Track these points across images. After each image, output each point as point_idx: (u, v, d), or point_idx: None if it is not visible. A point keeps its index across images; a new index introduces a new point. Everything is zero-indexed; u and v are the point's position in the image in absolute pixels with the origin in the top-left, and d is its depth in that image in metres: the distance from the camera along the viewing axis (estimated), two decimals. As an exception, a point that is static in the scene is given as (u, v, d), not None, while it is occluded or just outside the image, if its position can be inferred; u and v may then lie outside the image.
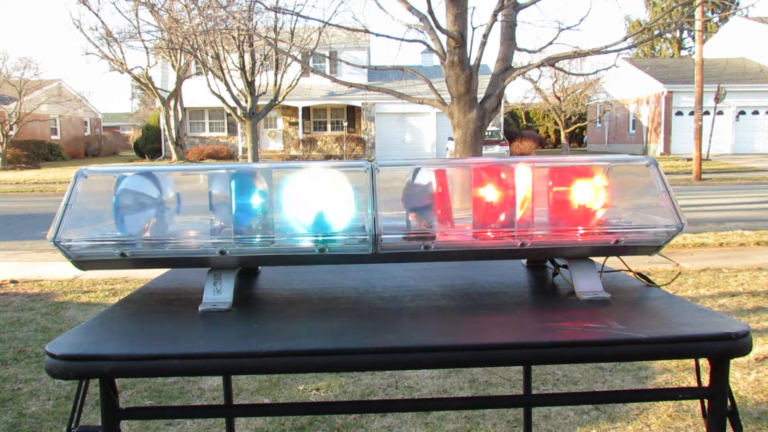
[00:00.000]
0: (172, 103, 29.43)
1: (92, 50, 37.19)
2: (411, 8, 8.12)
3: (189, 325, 1.26)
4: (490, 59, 23.52)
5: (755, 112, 29.79)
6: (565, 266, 1.49)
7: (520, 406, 2.79)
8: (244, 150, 28.60)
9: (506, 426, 3.20)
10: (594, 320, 1.22)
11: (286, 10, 10.81)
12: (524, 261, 1.76)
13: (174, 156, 29.40)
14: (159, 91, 29.07)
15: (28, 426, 3.29)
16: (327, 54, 27.36)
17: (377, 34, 8.54)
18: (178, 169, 1.52)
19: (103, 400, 1.13)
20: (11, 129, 29.12)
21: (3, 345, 4.53)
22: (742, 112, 29.78)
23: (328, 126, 32.17)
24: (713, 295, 5.56)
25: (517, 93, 45.42)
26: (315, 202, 1.39)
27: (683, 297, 1.39)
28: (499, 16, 8.15)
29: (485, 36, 8.11)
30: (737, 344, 1.11)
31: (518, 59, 27.76)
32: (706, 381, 1.20)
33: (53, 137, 35.91)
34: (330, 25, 9.87)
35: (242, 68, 21.60)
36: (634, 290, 1.46)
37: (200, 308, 1.34)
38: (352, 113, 31.79)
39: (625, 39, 8.34)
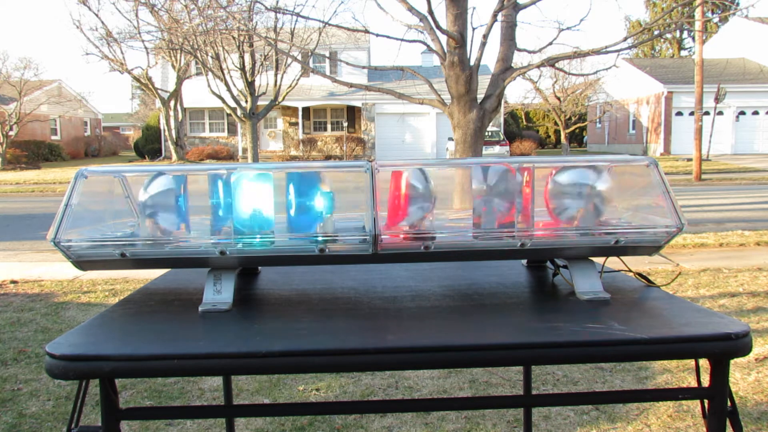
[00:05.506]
0: (172, 103, 29.43)
1: (92, 50, 37.23)
2: (411, 8, 8.12)
3: (189, 325, 1.26)
4: (490, 59, 23.52)
5: (755, 113, 29.79)
6: (565, 266, 1.49)
7: (520, 407, 2.79)
8: (244, 150, 28.61)
9: (506, 426, 3.20)
10: (594, 320, 1.22)
11: (286, 10, 10.81)
12: (524, 261, 1.76)
13: (174, 156, 29.40)
14: (159, 91, 29.07)
15: (28, 426, 3.29)
16: (327, 54, 27.37)
17: (377, 35, 8.54)
18: (179, 170, 1.52)
19: (103, 400, 1.13)
20: (11, 129, 29.11)
21: (3, 345, 4.53)
22: (742, 113, 29.78)
23: (328, 126, 32.17)
24: (713, 295, 5.56)
25: (517, 93, 45.40)
26: (315, 202, 1.39)
27: (683, 297, 1.39)
28: (499, 17, 8.15)
29: (485, 36, 8.12)
30: (737, 344, 1.11)
31: (518, 59, 27.78)
32: (706, 381, 1.20)
33: (53, 137, 35.91)
34: (330, 25, 9.87)
35: (242, 68, 21.60)
36: (634, 290, 1.46)
37: (200, 308, 1.34)
38: (352, 113, 31.80)
39: (625, 39, 8.34)
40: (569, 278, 1.44)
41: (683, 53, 46.57)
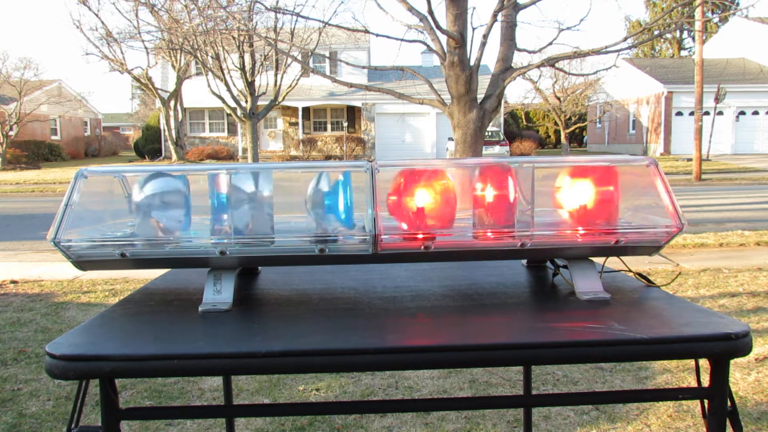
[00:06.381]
0: (172, 103, 29.43)
1: (92, 50, 37.26)
2: (411, 8, 8.12)
3: (189, 325, 1.26)
4: (490, 59, 23.49)
5: (755, 113, 29.79)
6: (565, 266, 1.49)
7: (520, 407, 2.79)
8: (244, 150, 28.61)
9: (506, 426, 3.20)
10: (594, 320, 1.22)
11: (286, 10, 10.81)
12: (524, 261, 1.76)
13: (174, 156, 29.41)
14: (159, 91, 29.07)
15: (28, 426, 3.29)
16: (327, 54, 27.37)
17: (377, 35, 8.55)
18: (179, 170, 1.52)
19: (103, 400, 1.13)
20: (11, 129, 29.11)
21: (3, 345, 4.53)
22: (742, 113, 29.78)
23: (328, 126, 32.17)
24: (713, 295, 5.56)
25: (517, 93, 45.38)
26: (315, 202, 1.39)
27: (683, 297, 1.39)
28: (499, 17, 8.15)
29: (485, 36, 8.12)
30: (737, 344, 1.11)
31: (518, 59, 27.76)
32: (706, 381, 1.20)
33: (53, 137, 35.91)
34: (330, 25, 9.87)
35: (242, 68, 21.61)
36: (634, 290, 1.46)
37: (200, 308, 1.34)
38: (352, 113, 31.80)
39: (625, 39, 8.35)
40: (569, 278, 1.44)
41: (683, 53, 46.58)
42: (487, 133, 21.47)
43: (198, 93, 29.34)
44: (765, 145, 29.88)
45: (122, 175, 1.50)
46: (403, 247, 1.38)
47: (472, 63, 8.21)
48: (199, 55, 19.90)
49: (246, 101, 21.69)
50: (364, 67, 9.57)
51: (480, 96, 8.33)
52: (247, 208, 1.38)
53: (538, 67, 8.95)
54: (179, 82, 28.93)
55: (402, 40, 8.35)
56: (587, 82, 31.14)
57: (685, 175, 19.46)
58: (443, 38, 8.15)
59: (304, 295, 1.47)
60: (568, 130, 33.03)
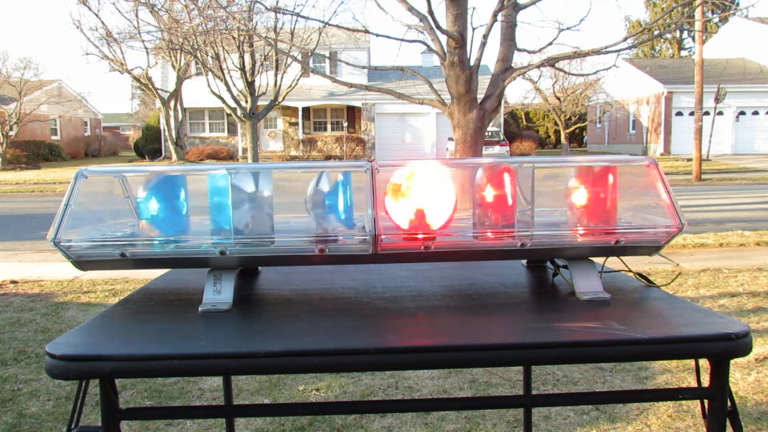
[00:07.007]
0: (172, 103, 29.42)
1: (92, 50, 37.27)
2: (411, 8, 8.12)
3: (189, 325, 1.26)
4: (490, 59, 23.51)
5: (755, 113, 29.79)
6: (565, 266, 1.49)
7: (520, 407, 2.79)
8: (244, 150, 28.60)
9: (506, 426, 3.20)
10: (594, 320, 1.22)
11: (286, 10, 10.81)
12: (524, 261, 1.76)
13: (174, 156, 29.40)
14: (159, 91, 29.06)
15: (28, 426, 3.29)
16: (327, 54, 27.37)
17: (377, 35, 8.55)
18: (179, 170, 1.52)
19: (103, 400, 1.13)
20: (11, 129, 29.11)
21: (3, 345, 4.53)
22: (742, 113, 29.78)
23: (328, 126, 32.17)
24: (713, 295, 5.56)
25: (517, 93, 45.35)
26: (315, 202, 1.39)
27: (683, 297, 1.39)
28: (499, 17, 8.15)
29: (485, 36, 8.12)
30: (737, 344, 1.11)
31: (518, 59, 27.78)
32: (706, 381, 1.20)
33: (53, 137, 35.91)
34: (330, 25, 9.87)
35: (242, 68, 21.61)
36: (634, 290, 1.46)
37: (200, 308, 1.34)
38: (352, 113, 31.79)
39: (625, 39, 8.35)
40: (569, 278, 1.44)
41: (683, 53, 46.58)
42: (487, 133, 21.45)
43: (198, 93, 29.33)
44: (765, 145, 29.88)
45: (122, 175, 1.50)
46: (403, 247, 1.38)
47: (472, 63, 8.21)
48: (199, 55, 19.90)
49: (246, 101, 21.70)
50: (364, 67, 9.58)
51: (480, 96, 8.33)
52: (247, 208, 1.38)
53: (538, 67, 8.95)
54: (179, 82, 28.92)
55: (402, 40, 8.35)
56: (587, 82, 31.14)
57: (685, 175, 19.46)
58: (443, 38, 8.14)
59: (304, 295, 1.47)
60: (568, 130, 33.03)
